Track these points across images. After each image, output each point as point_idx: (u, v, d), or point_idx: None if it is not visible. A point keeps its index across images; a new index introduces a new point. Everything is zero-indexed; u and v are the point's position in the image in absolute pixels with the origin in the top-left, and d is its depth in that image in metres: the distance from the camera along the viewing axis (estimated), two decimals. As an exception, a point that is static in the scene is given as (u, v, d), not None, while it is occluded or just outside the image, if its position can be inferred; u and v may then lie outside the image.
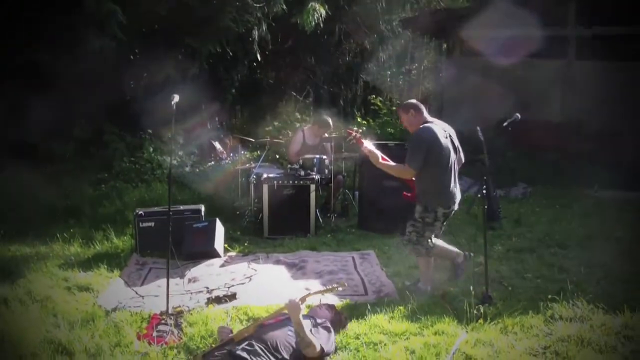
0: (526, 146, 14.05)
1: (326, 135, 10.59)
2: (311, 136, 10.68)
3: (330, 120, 10.67)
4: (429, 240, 6.76)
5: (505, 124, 7.79)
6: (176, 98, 6.39)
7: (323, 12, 12.49)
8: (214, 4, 12.22)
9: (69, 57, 12.12)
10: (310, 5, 12.43)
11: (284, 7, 12.60)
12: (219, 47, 12.54)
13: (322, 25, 12.93)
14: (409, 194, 6.85)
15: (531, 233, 9.48)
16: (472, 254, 7.28)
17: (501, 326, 5.83)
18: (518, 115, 7.72)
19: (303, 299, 5.20)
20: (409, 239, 6.79)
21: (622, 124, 14.48)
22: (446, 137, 6.66)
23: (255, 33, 13.36)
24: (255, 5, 12.49)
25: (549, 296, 6.42)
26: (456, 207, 6.88)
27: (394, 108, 18.66)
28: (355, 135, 7.17)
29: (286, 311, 5.18)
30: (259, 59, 14.35)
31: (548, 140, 14.53)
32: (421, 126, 6.66)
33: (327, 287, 5.41)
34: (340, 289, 5.32)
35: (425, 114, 6.76)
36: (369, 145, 6.80)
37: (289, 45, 17.09)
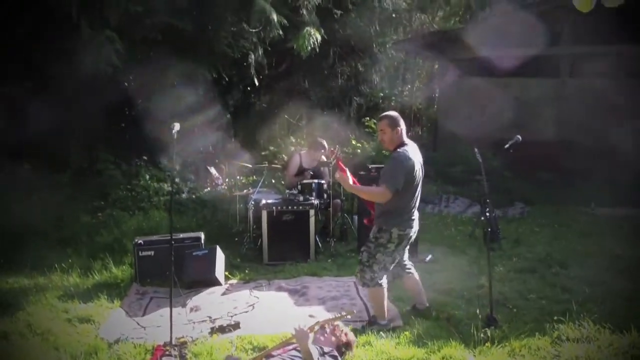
0: (521, 166, 14.06)
1: (323, 159, 10.57)
2: (308, 159, 10.67)
3: (324, 142, 10.65)
4: (380, 274, 6.49)
5: (507, 146, 7.79)
6: (177, 126, 6.37)
7: (319, 36, 12.52)
8: (209, 30, 12.20)
9: (64, 84, 12.10)
10: (305, 30, 12.45)
11: (280, 32, 12.58)
12: (214, 73, 12.51)
13: (317, 49, 12.93)
14: (367, 219, 6.73)
15: (531, 253, 9.47)
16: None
17: (508, 349, 5.79)
18: (519, 137, 7.72)
19: (312, 328, 5.15)
20: (359, 260, 6.57)
21: (616, 141, 14.52)
22: (419, 162, 6.47)
23: (252, 58, 13.34)
24: (250, 30, 12.48)
25: (555, 317, 6.40)
26: (414, 234, 6.58)
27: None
28: (337, 154, 7.04)
29: (294, 340, 5.12)
30: (257, 83, 14.31)
31: (543, 159, 14.56)
32: (402, 148, 6.38)
33: (336, 315, 5.35)
34: (348, 317, 5.28)
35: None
36: (342, 172, 6.41)
37: (283, 70, 17.10)
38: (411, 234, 6.52)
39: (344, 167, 6.42)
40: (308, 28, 12.58)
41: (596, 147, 14.62)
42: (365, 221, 6.76)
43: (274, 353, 5.15)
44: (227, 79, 13.89)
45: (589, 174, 14.20)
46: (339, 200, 10.57)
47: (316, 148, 10.59)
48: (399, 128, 6.40)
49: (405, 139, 6.46)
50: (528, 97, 15.66)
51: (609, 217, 11.79)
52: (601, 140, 14.66)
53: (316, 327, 5.25)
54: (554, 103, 15.53)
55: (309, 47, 12.42)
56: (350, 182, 6.35)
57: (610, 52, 14.81)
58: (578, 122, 14.99)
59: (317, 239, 9.67)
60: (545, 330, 6.19)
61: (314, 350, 5.10)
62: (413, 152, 6.40)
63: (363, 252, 6.53)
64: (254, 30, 12.47)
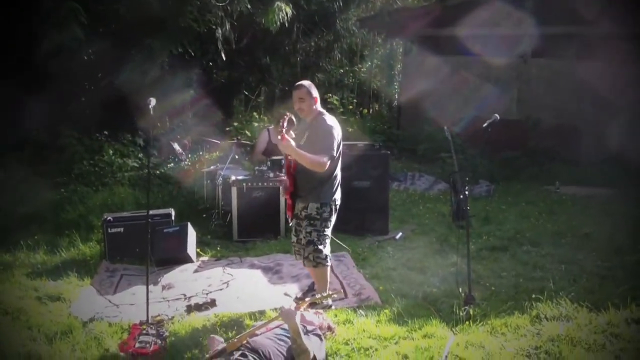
0: (485, 144, 14.12)
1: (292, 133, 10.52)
2: (276, 135, 10.61)
3: (293, 117, 10.60)
4: (328, 248, 6.48)
5: (485, 124, 7.79)
6: (153, 102, 6.23)
7: (289, 11, 12.36)
8: (174, 3, 11.95)
9: (24, 58, 11.81)
10: (276, 4, 12.25)
11: (249, 6, 12.38)
12: (180, 48, 12.29)
13: (286, 25, 12.76)
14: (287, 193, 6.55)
15: (501, 231, 9.51)
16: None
17: (489, 327, 5.82)
18: (497, 116, 7.72)
19: (298, 307, 5.10)
20: (309, 241, 6.38)
21: (579, 121, 14.71)
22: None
23: (219, 32, 13.12)
24: (217, 4, 12.26)
25: (532, 296, 6.43)
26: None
27: (350, 107, 18.68)
28: (284, 120, 6.43)
29: (278, 320, 5.09)
30: (224, 58, 14.11)
31: (506, 138, 14.65)
32: (326, 114, 6.40)
33: (323, 295, 5.30)
34: (335, 296, 5.25)
35: None
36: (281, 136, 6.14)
37: (245, 45, 16.89)
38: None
39: (284, 131, 6.16)
40: (278, 3, 12.36)
41: (559, 127, 14.79)
42: (287, 195, 6.59)
43: (257, 332, 5.09)
44: (192, 54, 13.65)
45: (552, 153, 14.38)
46: None
47: (282, 120, 10.51)
48: (316, 96, 6.40)
49: (320, 108, 6.48)
50: (491, 76, 15.73)
51: (573, 196, 11.92)
52: (564, 120, 14.83)
53: (302, 307, 5.19)
54: (517, 82, 15.63)
55: (278, 23, 12.24)
56: (293, 146, 6.10)
57: (574, 33, 14.92)
58: (541, 101, 15.13)
59: (287, 216, 9.59)
60: (524, 308, 6.22)
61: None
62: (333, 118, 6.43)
63: (311, 233, 6.37)
64: (220, 4, 12.25)
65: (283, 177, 9.43)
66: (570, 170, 13.72)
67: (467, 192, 9.46)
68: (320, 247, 6.39)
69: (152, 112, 6.19)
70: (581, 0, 14.11)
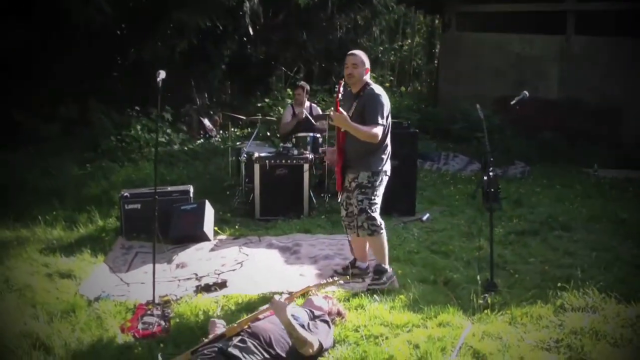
0: (523, 124, 13.72)
1: (320, 112, 10.32)
2: (297, 106, 10.54)
3: (303, 83, 10.74)
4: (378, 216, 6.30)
5: (513, 102, 7.40)
6: (162, 74, 5.97)
7: (319, -15, 12.03)
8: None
9: (53, 32, 11.69)
10: (306, -20, 11.92)
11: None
12: (208, 22, 12.04)
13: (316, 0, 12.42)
14: (338, 170, 6.38)
15: (533, 215, 9.12)
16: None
17: (509, 317, 5.44)
18: (526, 93, 7.31)
19: (290, 298, 4.79)
20: (361, 209, 6.18)
21: (621, 101, 14.22)
22: None
23: (247, 6, 12.85)
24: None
25: (558, 284, 6.05)
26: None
27: (387, 84, 18.33)
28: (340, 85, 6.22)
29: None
30: (251, 33, 13.84)
31: (545, 118, 14.23)
32: (373, 84, 6.26)
33: (324, 282, 4.99)
34: (340, 282, 4.96)
35: None
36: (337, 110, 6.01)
37: (280, 20, 16.63)
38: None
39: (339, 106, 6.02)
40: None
41: (601, 107, 14.30)
42: (337, 169, 6.39)
43: (261, 317, 4.83)
44: (221, 28, 13.41)
45: (593, 134, 13.91)
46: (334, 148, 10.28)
47: (297, 90, 10.63)
48: (368, 67, 6.24)
49: (369, 79, 6.32)
50: (531, 54, 15.24)
51: (612, 179, 11.46)
52: (606, 100, 14.33)
53: (295, 298, 4.89)
54: (558, 60, 15.10)
55: (309, -3, 11.89)
56: (347, 118, 5.96)
57: (617, 9, 14.38)
58: (583, 81, 14.62)
59: (312, 195, 9.33)
60: (548, 297, 5.83)
61: (302, 315, 4.81)
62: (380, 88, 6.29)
63: (362, 201, 6.19)
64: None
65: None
66: (610, 152, 13.23)
67: (491, 174, 9.16)
68: (373, 214, 6.21)
69: (160, 84, 5.93)
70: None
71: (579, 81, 14.67)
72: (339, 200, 6.69)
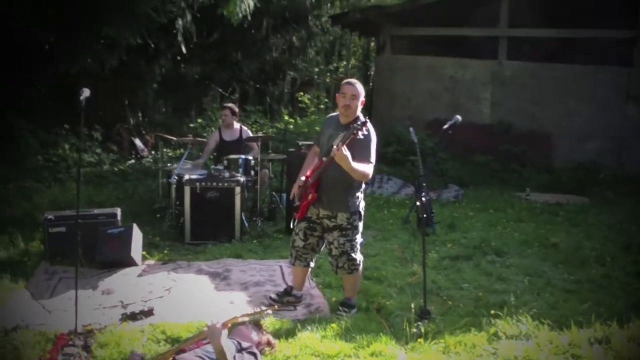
0: (456, 148, 13.81)
1: (250, 134, 10.28)
2: (226, 132, 10.34)
3: (230, 104, 10.63)
4: (358, 254, 6.25)
5: (446, 126, 7.39)
6: (86, 92, 5.73)
7: (251, 3, 11.83)
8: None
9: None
10: (237, -5, 11.73)
11: (210, -4, 11.91)
12: (139, 38, 11.76)
13: (249, 18, 12.25)
14: (305, 201, 6.11)
15: (466, 239, 9.10)
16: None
17: (443, 345, 5.35)
18: (459, 117, 7.32)
19: (226, 324, 4.62)
20: (343, 252, 6.09)
21: (552, 126, 14.48)
22: None
23: (179, 24, 12.62)
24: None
25: (491, 311, 6.00)
26: None
27: (322, 106, 18.30)
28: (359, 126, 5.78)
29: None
30: (184, 51, 13.62)
31: (478, 142, 14.35)
32: (361, 120, 5.81)
33: (256, 311, 4.82)
34: (269, 312, 4.80)
35: None
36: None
37: (215, 39, 16.45)
38: None
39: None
40: (240, -7, 11.84)
41: (532, 132, 14.50)
42: (304, 203, 6.12)
43: (186, 348, 4.64)
44: (152, 46, 13.16)
45: (524, 158, 14.10)
46: (267, 170, 10.13)
47: (223, 111, 10.51)
48: (364, 99, 6.00)
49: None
50: (465, 78, 15.38)
51: (543, 203, 11.58)
52: (538, 125, 14.54)
53: (230, 324, 4.71)
54: (491, 85, 15.26)
55: (240, 15, 11.67)
56: (350, 157, 5.62)
57: (550, 35, 14.66)
58: (515, 105, 14.81)
59: (244, 218, 9.15)
60: (482, 325, 5.78)
61: (229, 346, 4.63)
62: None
63: (344, 244, 6.07)
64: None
65: (240, 178, 9.02)
66: (542, 177, 13.42)
67: (425, 198, 9.16)
68: (354, 255, 6.14)
69: (83, 103, 5.69)
70: (557, 2, 13.86)
71: (510, 105, 14.86)
72: (293, 227, 6.41)
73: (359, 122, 5.69)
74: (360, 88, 5.94)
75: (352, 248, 6.13)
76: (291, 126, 15.89)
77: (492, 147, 14.34)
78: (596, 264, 7.90)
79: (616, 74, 14.26)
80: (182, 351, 4.61)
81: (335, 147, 5.57)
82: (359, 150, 5.76)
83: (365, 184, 6.19)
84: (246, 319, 4.79)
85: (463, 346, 5.36)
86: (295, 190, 6.28)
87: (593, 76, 14.29)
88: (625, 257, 8.18)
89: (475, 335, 5.55)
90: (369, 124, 5.80)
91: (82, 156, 12.08)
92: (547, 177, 13.44)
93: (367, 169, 5.78)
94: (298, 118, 17.31)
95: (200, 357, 4.54)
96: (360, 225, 6.20)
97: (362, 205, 6.16)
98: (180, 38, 12.97)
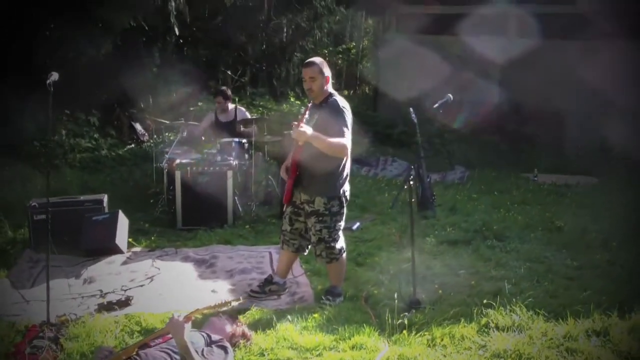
0: (464, 128, 13.49)
1: (247, 115, 10.03)
2: (221, 113, 10.19)
3: (223, 88, 10.61)
4: (342, 239, 5.99)
5: (436, 105, 7.06)
6: (54, 76, 5.50)
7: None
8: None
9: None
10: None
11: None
12: (132, 21, 11.47)
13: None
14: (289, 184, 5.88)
15: (467, 223, 8.71)
16: None
17: (428, 338, 5.05)
18: (450, 96, 7.00)
19: (189, 318, 4.35)
20: (320, 239, 5.82)
21: (564, 106, 14.06)
22: None
23: (172, 5, 12.32)
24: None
25: (484, 300, 5.69)
26: None
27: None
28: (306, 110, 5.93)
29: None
30: (177, 33, 13.32)
31: (487, 122, 14.00)
32: (337, 95, 5.78)
33: (217, 303, 4.53)
34: (234, 303, 4.53)
35: None
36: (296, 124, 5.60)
37: (218, 21, 16.13)
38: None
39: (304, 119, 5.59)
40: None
41: (542, 111, 14.11)
42: (289, 182, 5.88)
43: (151, 342, 4.38)
44: (146, 29, 12.87)
45: (534, 139, 13.73)
46: (261, 153, 9.84)
47: (216, 97, 10.36)
48: (328, 75, 5.73)
49: (331, 89, 5.80)
50: (473, 57, 14.98)
51: (551, 185, 11.23)
52: (548, 104, 14.14)
53: (193, 317, 4.44)
54: (499, 63, 14.87)
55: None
56: (310, 131, 5.45)
57: (560, 11, 14.23)
58: (525, 84, 14.41)
59: (237, 202, 8.89)
60: (472, 315, 5.46)
61: (198, 339, 4.38)
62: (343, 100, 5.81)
63: (321, 230, 5.78)
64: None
65: (233, 162, 8.78)
66: (551, 157, 13.02)
67: (430, 180, 8.86)
68: (333, 243, 5.84)
69: (50, 88, 5.43)
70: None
71: (520, 84, 14.45)
72: (284, 212, 6.22)
73: (330, 100, 5.57)
74: (319, 66, 5.69)
75: (330, 235, 5.83)
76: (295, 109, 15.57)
77: (501, 127, 13.98)
78: (601, 248, 7.55)
79: (629, 50, 13.81)
80: (147, 345, 4.35)
81: (294, 123, 5.49)
82: (331, 125, 5.56)
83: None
84: (208, 311, 4.53)
85: (450, 338, 5.07)
86: (282, 172, 6.06)
87: (605, 53, 13.84)
88: (633, 241, 7.71)
89: (465, 326, 5.25)
90: (334, 97, 5.69)
91: (78, 141, 11.87)
92: (556, 158, 13.04)
93: (340, 140, 5.52)
94: (305, 100, 16.99)
95: (165, 351, 4.29)
96: (343, 211, 5.89)
97: (344, 189, 5.85)
98: (173, 20, 12.66)
